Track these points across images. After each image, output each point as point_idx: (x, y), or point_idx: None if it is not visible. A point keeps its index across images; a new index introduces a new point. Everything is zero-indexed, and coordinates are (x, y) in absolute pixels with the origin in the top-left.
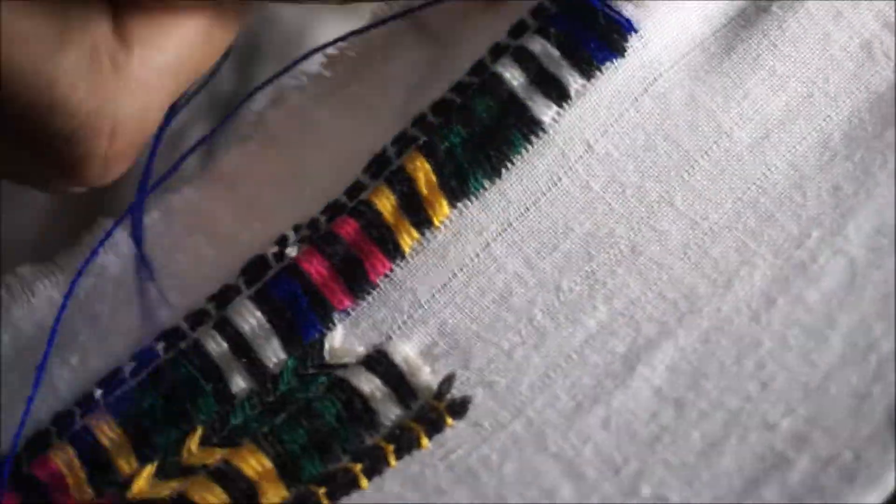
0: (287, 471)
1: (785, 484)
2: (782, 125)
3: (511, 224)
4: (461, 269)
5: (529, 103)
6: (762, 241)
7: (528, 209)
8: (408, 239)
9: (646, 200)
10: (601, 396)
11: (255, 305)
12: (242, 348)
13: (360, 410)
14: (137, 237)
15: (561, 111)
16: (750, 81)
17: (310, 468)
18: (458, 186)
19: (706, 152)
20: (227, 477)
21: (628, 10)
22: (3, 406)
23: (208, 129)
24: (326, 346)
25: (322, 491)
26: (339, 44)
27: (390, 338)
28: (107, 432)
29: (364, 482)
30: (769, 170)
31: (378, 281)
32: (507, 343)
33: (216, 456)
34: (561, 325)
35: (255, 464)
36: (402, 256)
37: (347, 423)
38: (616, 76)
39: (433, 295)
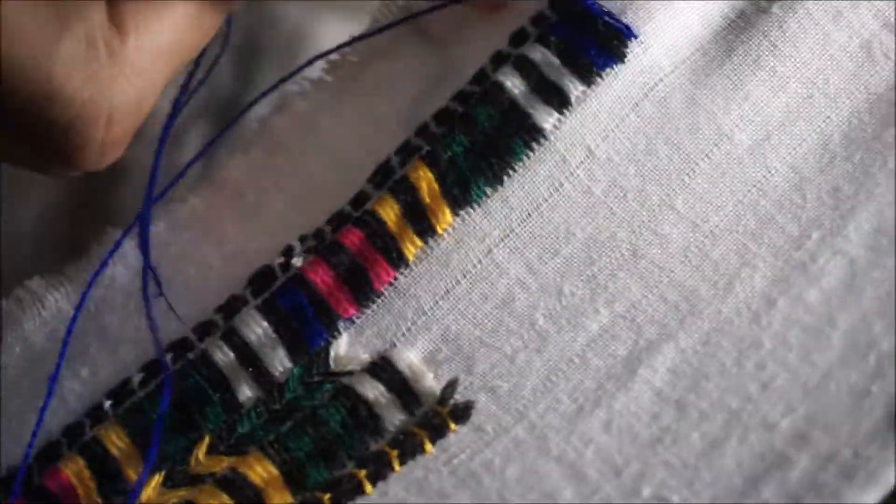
0: (293, 478)
1: (785, 483)
2: (782, 127)
3: (513, 230)
4: (464, 276)
5: (530, 111)
6: (762, 243)
7: (529, 215)
8: (411, 247)
9: (647, 204)
10: (603, 399)
11: (262, 315)
12: (249, 358)
13: (364, 417)
14: (145, 250)
15: (562, 118)
16: (750, 83)
17: (315, 475)
18: (460, 194)
19: (707, 155)
20: (233, 485)
21: (628, 17)
22: (16, 417)
23: (208, 129)
24: (332, 353)
25: (327, 497)
26: (341, 49)
27: (394, 345)
28: (116, 442)
29: (369, 488)
30: (769, 172)
31: (382, 289)
32: (509, 348)
33: (223, 464)
34: (563, 329)
35: (261, 471)
36: (406, 264)
37: (352, 430)
38: (616, 82)
39: (436, 302)
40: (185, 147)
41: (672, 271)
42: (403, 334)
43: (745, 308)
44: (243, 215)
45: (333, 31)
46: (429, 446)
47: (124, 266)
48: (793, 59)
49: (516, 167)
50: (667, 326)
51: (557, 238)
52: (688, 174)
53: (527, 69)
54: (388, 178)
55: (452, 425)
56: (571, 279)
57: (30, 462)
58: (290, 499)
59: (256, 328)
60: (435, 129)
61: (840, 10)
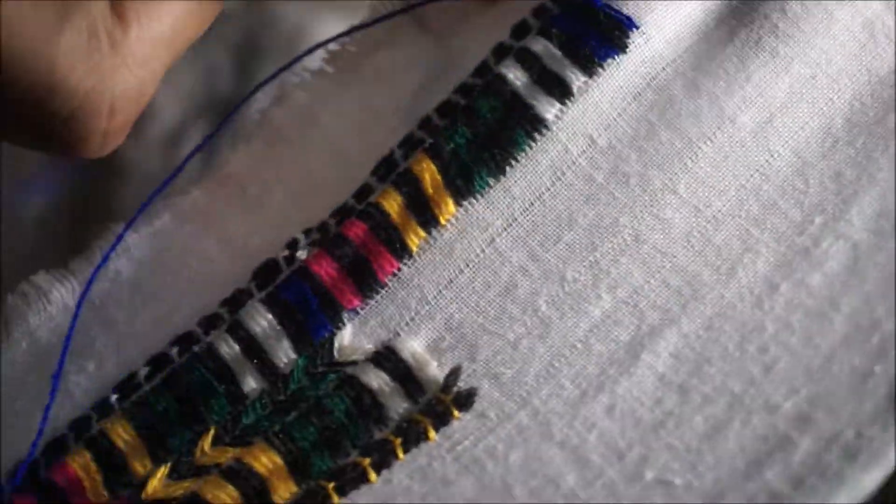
0: (297, 467)
1: (788, 464)
2: (785, 109)
3: (516, 219)
4: (467, 265)
5: (533, 102)
6: (765, 228)
7: (532, 204)
8: (415, 238)
9: (649, 189)
10: (606, 384)
11: (267, 308)
12: (254, 350)
13: (368, 406)
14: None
15: (564, 108)
16: (752, 65)
17: (319, 464)
18: (463, 185)
19: (710, 138)
20: (238, 475)
21: (629, 7)
22: (23, 412)
23: (208, 128)
24: (336, 344)
25: (332, 486)
26: (340, 39)
27: (398, 334)
28: (122, 435)
29: (373, 476)
30: (772, 156)
31: (386, 280)
32: (512, 334)
33: (228, 455)
34: (566, 315)
35: (265, 461)
36: (410, 255)
37: (356, 419)
38: (618, 72)
39: (440, 291)
40: (184, 147)
41: (674, 256)
42: (407, 324)
43: (747, 293)
44: (246, 208)
45: (334, 29)
46: (432, 434)
47: (128, 259)
48: (795, 40)
49: (519, 158)
50: (669, 311)
51: (560, 225)
52: (690, 158)
53: (529, 61)
54: (392, 170)
55: (456, 412)
56: (574, 265)
57: (37, 456)
58: (294, 488)
59: (261, 321)
60: (438, 122)
61: None
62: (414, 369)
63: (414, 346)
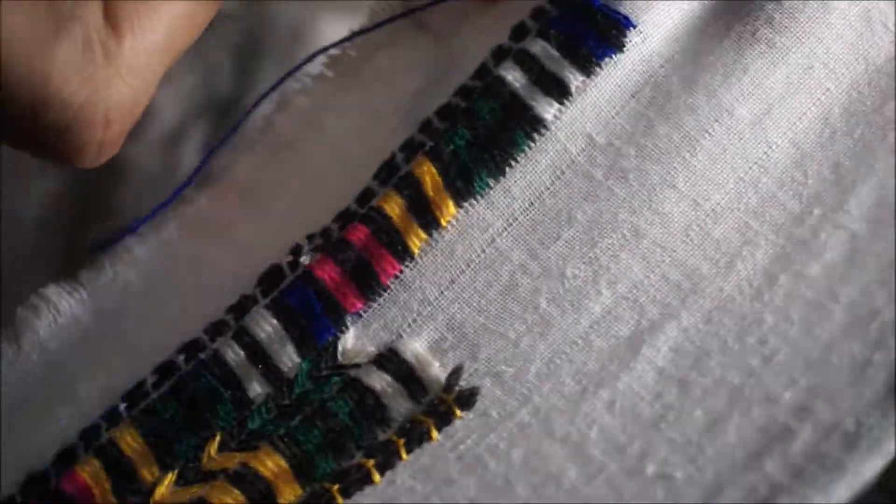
0: (302, 470)
1: (787, 455)
2: (783, 100)
3: (516, 219)
4: (468, 265)
5: (531, 102)
6: (764, 221)
7: (532, 203)
8: (416, 240)
9: (647, 184)
10: (606, 380)
11: (271, 313)
12: (259, 355)
13: (372, 407)
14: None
15: (562, 108)
16: (748, 56)
17: (324, 466)
18: (463, 187)
19: (707, 132)
20: (244, 479)
21: (626, 7)
22: (32, 423)
23: (208, 128)
24: (339, 347)
25: (336, 488)
26: (341, 44)
27: (401, 336)
28: (130, 443)
29: (377, 477)
30: (770, 148)
31: (388, 282)
32: (513, 333)
33: (235, 460)
34: (566, 312)
35: (271, 465)
36: (412, 258)
37: (360, 421)
38: (616, 71)
39: (441, 292)
40: (184, 147)
41: (674, 250)
42: (409, 325)
43: (746, 285)
44: (251, 215)
45: (334, 29)
46: (435, 433)
47: (137, 270)
48: (791, 30)
49: (518, 158)
50: (669, 306)
51: (559, 223)
52: (689, 152)
53: (527, 62)
54: (393, 174)
55: (458, 412)
56: (574, 262)
57: (47, 467)
58: (299, 491)
59: (266, 326)
60: (438, 125)
61: None
62: (416, 370)
63: (416, 347)
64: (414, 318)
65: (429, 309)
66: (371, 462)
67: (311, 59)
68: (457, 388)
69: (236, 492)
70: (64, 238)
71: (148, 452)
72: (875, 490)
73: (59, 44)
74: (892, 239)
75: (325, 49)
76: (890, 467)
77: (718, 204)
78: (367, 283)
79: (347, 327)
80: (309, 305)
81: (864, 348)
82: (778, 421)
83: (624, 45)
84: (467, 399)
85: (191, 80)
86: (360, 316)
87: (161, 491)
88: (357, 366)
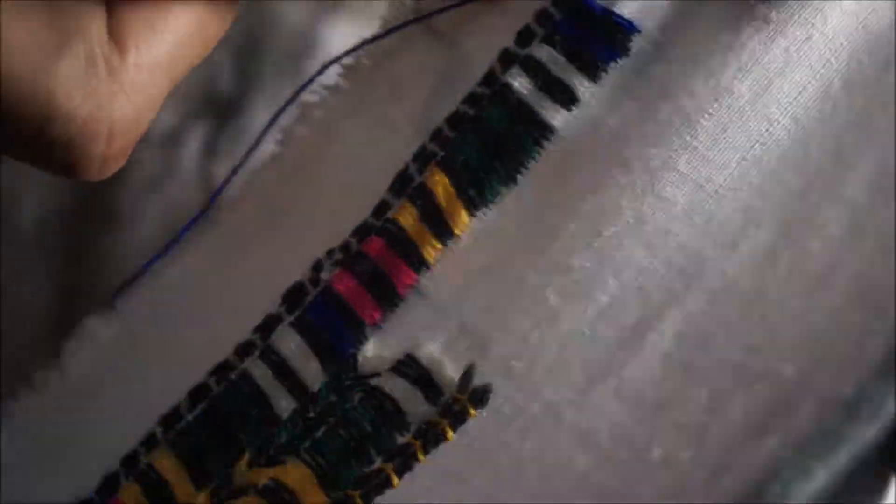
0: (327, 479)
1: (790, 428)
2: (783, 74)
3: (527, 219)
4: (480, 269)
5: (539, 109)
6: (767, 199)
7: (541, 200)
8: (431, 251)
9: (649, 168)
10: (613, 368)
11: (296, 331)
12: (285, 372)
13: (391, 413)
14: None
15: (570, 114)
16: (745, 33)
17: (347, 474)
18: (476, 196)
19: (707, 112)
20: (273, 493)
21: (634, 15)
22: (77, 451)
23: (208, 128)
24: (360, 358)
25: (358, 494)
26: (354, 53)
27: (417, 341)
28: (167, 466)
29: (396, 481)
30: (771, 125)
31: (405, 293)
32: (522, 328)
33: (264, 476)
34: (573, 304)
35: (298, 477)
36: (427, 267)
37: (381, 427)
38: (620, 71)
39: (454, 296)
40: (184, 147)
41: (677, 235)
42: (424, 330)
43: (749, 263)
44: (274, 232)
45: (334, 29)
46: (450, 434)
47: (169, 296)
48: (788, 3)
49: (528, 165)
50: (673, 290)
51: (565, 216)
52: (689, 134)
53: (534, 69)
54: (407, 185)
55: (472, 411)
56: (579, 253)
57: (92, 495)
58: (324, 500)
59: (291, 344)
60: (448, 134)
61: None
62: (433, 373)
63: (431, 351)
64: (429, 322)
65: (442, 313)
66: (390, 466)
67: (324, 69)
68: (470, 387)
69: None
70: (64, 238)
71: (183, 473)
72: None
73: (63, 59)
74: (892, 208)
75: (337, 59)
76: (891, 433)
77: (721, 185)
78: (385, 295)
79: (367, 339)
80: (331, 322)
81: (864, 318)
82: (780, 395)
83: (629, 50)
84: (480, 397)
85: (190, 81)
86: (380, 327)
87: None
88: (377, 374)
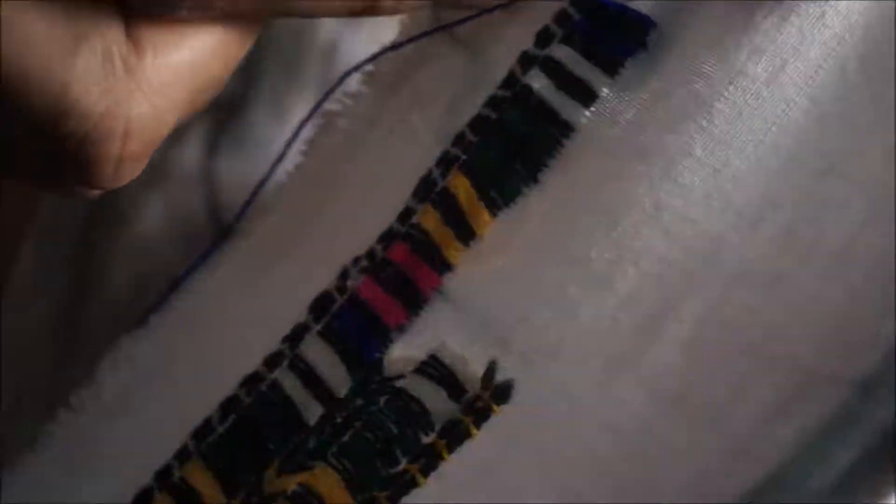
0: (354, 483)
1: (811, 411)
2: (797, 53)
3: (549, 215)
4: (502, 266)
5: (559, 109)
6: (785, 181)
7: (561, 196)
8: (455, 253)
9: (666, 154)
10: (634, 357)
11: (324, 340)
12: (313, 380)
13: (417, 414)
14: None
15: (589, 112)
16: (759, 15)
17: (374, 477)
18: (498, 197)
19: (722, 95)
20: (301, 499)
21: (646, 6)
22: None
23: (208, 127)
24: (385, 361)
25: (384, 495)
26: (375, 60)
27: (441, 341)
28: (199, 478)
29: (422, 481)
30: (788, 106)
31: (430, 295)
32: (542, 321)
33: (293, 482)
34: (593, 295)
35: (326, 481)
36: (451, 269)
37: (406, 428)
38: (637, 64)
39: (477, 294)
40: (185, 146)
41: (696, 220)
42: (447, 330)
43: (768, 246)
44: (301, 241)
45: (335, 29)
46: (475, 431)
47: (200, 305)
48: None
49: (549, 164)
50: (693, 277)
51: (586, 210)
52: (705, 118)
53: (553, 69)
54: (431, 190)
55: (496, 407)
56: (598, 245)
57: None
58: (351, 502)
59: (319, 352)
60: (471, 138)
61: None
62: (457, 373)
63: (454, 349)
64: (452, 322)
65: (464, 311)
66: (416, 467)
67: (345, 78)
68: (493, 384)
69: None
70: (71, 241)
71: (215, 484)
72: None
73: (79, 53)
74: None
75: (358, 66)
76: None
77: (739, 169)
78: (410, 299)
79: (392, 342)
80: (357, 328)
81: (885, 296)
82: (800, 378)
83: (647, 45)
84: (503, 393)
85: None
86: (404, 330)
87: None
88: (402, 376)
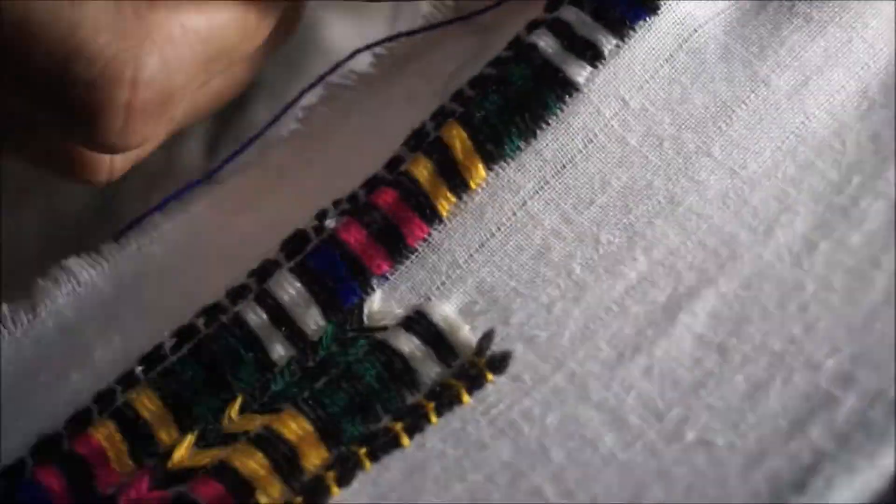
0: (328, 433)
1: (832, 422)
2: (821, 72)
3: (547, 182)
4: (498, 229)
5: (563, 66)
6: (802, 189)
7: (564, 167)
8: (445, 203)
9: (683, 152)
10: (643, 345)
11: (295, 276)
12: (282, 318)
13: (400, 370)
14: None
15: (595, 71)
16: (786, 29)
17: (351, 429)
18: (494, 149)
19: (743, 101)
20: (267, 442)
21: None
22: (45, 387)
23: (208, 126)
24: (365, 310)
25: (363, 451)
26: (388, 43)
27: (429, 298)
28: (147, 405)
29: (405, 440)
30: (808, 118)
31: (416, 245)
32: (546, 297)
33: (256, 422)
34: (600, 278)
35: (295, 428)
36: (440, 221)
37: (388, 384)
38: (650, 34)
39: (471, 255)
40: (185, 145)
41: (710, 217)
42: (438, 288)
43: (786, 252)
44: (282, 190)
45: (337, 29)
46: (466, 397)
47: (162, 244)
48: (829, 4)
49: (549, 120)
50: (706, 272)
51: (593, 188)
52: (724, 121)
53: (560, 29)
54: (423, 141)
55: (490, 375)
56: (608, 228)
57: (59, 429)
58: (325, 454)
59: (290, 289)
60: (470, 93)
61: None
62: (446, 333)
63: (445, 310)
64: (443, 280)
65: (458, 272)
66: (399, 425)
67: (355, 54)
68: (489, 352)
69: (259, 454)
70: (66, 241)
71: (166, 415)
72: None
73: None
74: None
75: (370, 46)
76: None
77: (755, 172)
78: (395, 246)
79: (374, 289)
80: (334, 268)
81: None
82: (821, 388)
83: (658, 8)
84: (500, 363)
85: None
86: (387, 279)
87: (180, 453)
88: (384, 328)
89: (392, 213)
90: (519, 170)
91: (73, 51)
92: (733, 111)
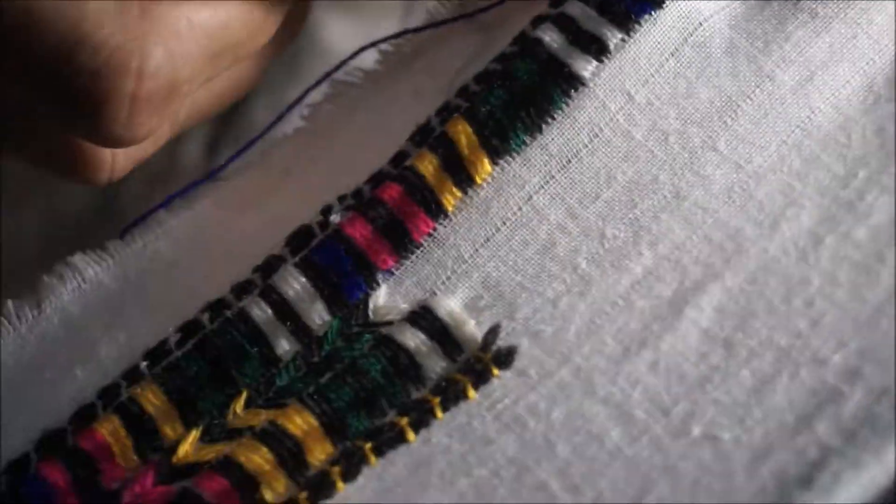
0: (333, 428)
1: (838, 417)
2: (826, 67)
3: (553, 176)
4: (504, 223)
5: (569, 60)
6: (808, 183)
7: (569, 161)
8: (450, 198)
9: (688, 146)
10: (649, 340)
11: (300, 271)
12: (287, 313)
13: (405, 365)
14: None
15: (600, 65)
16: (791, 24)
17: (356, 424)
18: (499, 144)
19: (749, 96)
20: (272, 437)
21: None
22: (50, 382)
23: (209, 126)
24: (371, 305)
25: (368, 446)
26: (394, 41)
27: (434, 293)
28: (152, 400)
29: (411, 435)
30: (813, 112)
31: (421, 240)
32: (551, 292)
33: (261, 417)
34: (606, 272)
35: (300, 422)
36: (446, 215)
37: (393, 379)
38: (655, 28)
39: (476, 249)
40: (186, 145)
41: (716, 212)
42: (443, 283)
43: (791, 246)
44: (287, 187)
45: (338, 30)
46: (472, 392)
47: (168, 240)
48: (834, 1)
49: (555, 115)
50: (712, 266)
51: (598, 182)
52: (730, 116)
53: (565, 24)
54: (428, 135)
55: (495, 370)
56: (613, 222)
57: (64, 424)
58: (330, 449)
59: (294, 284)
60: (475, 88)
61: None
62: (451, 328)
63: (451, 305)
64: (448, 275)
65: (463, 266)
66: (405, 420)
67: (361, 51)
68: (494, 347)
69: (264, 449)
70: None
71: (171, 410)
72: None
73: None
74: None
75: (375, 43)
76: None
77: (761, 166)
78: (400, 241)
79: (379, 284)
80: (339, 262)
81: None
82: (828, 383)
83: (663, 2)
84: (505, 358)
85: None
86: (392, 273)
87: (185, 448)
88: (389, 323)
89: (397, 208)
90: (524, 164)
91: (79, 40)
92: (738, 106)
